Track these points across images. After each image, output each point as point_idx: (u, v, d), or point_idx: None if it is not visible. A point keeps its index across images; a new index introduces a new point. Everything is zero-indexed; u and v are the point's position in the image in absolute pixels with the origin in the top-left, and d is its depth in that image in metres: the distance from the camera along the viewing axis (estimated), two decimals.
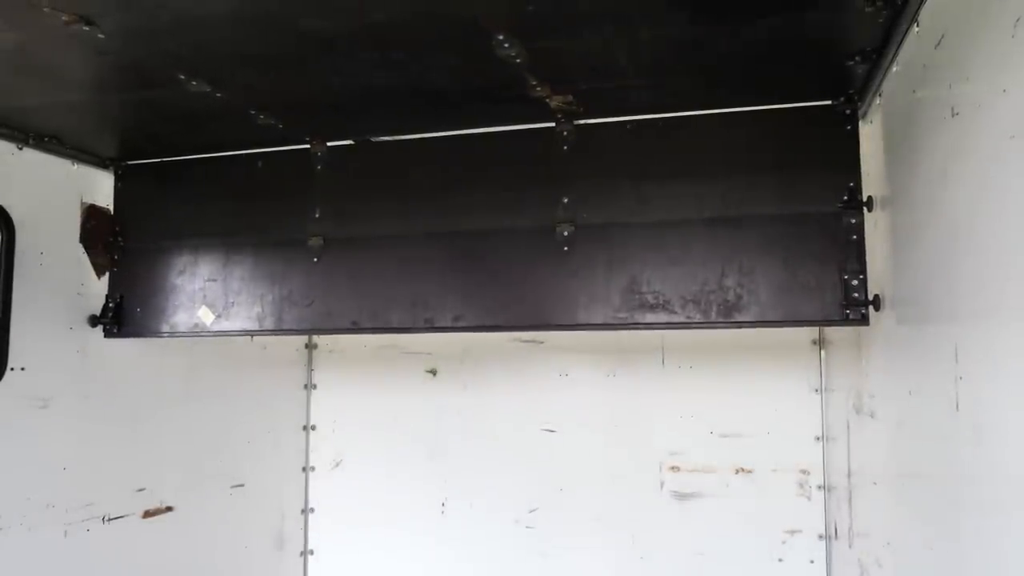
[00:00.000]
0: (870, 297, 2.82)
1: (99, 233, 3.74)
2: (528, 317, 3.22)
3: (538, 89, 2.85)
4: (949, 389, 1.95)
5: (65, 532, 3.38)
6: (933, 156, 2.12)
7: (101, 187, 3.79)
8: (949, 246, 2.00)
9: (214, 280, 3.64)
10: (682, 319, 3.02)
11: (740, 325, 2.98)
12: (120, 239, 3.80)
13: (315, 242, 3.48)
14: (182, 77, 2.75)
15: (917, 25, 2.20)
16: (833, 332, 3.91)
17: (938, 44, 2.03)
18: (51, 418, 3.41)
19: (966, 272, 1.87)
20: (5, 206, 3.22)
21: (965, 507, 1.89)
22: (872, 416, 2.96)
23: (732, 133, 3.09)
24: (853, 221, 2.88)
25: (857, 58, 2.60)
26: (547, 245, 3.18)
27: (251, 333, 3.65)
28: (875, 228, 2.83)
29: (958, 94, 1.89)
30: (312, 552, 4.91)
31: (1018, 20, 1.50)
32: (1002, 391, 1.63)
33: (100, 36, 2.38)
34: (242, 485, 4.39)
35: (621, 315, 3.07)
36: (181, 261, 3.71)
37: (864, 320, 2.83)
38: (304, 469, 4.94)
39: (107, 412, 3.71)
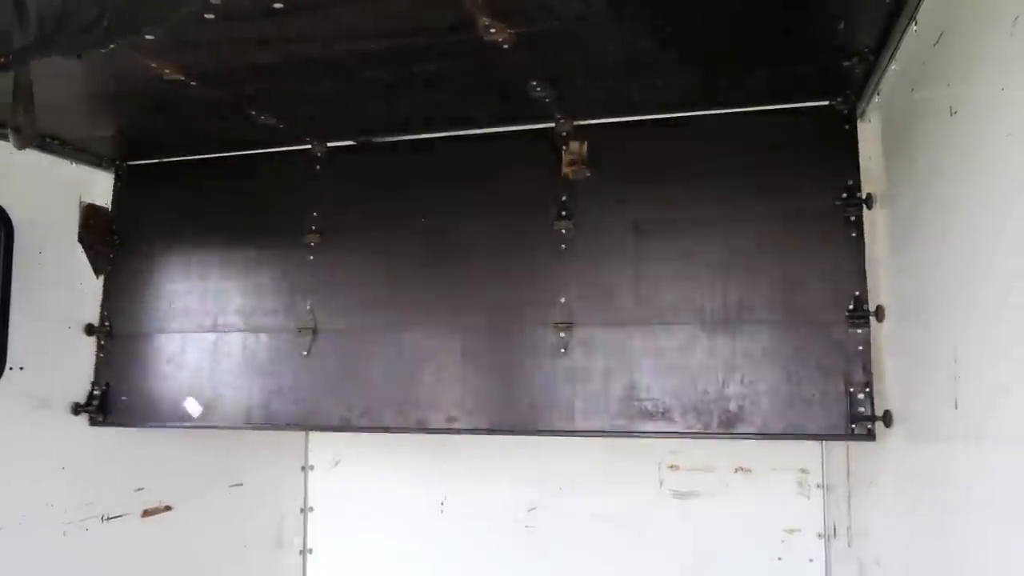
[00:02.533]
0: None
1: (97, 232, 3.73)
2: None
3: (561, 121, 3.21)
4: (948, 388, 1.95)
5: (64, 532, 3.38)
6: (931, 154, 2.12)
7: (102, 188, 3.80)
8: (945, 244, 2.00)
9: (201, 370, 3.58)
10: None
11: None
12: (107, 324, 3.72)
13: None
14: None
15: (915, 23, 2.19)
16: None
17: (937, 42, 2.02)
18: (50, 417, 3.41)
19: (963, 272, 1.87)
20: (4, 206, 3.22)
21: (963, 507, 1.89)
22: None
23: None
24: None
25: (839, 99, 2.95)
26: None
27: (239, 427, 3.56)
28: (877, 227, 2.83)
29: (957, 92, 1.89)
30: (311, 551, 4.91)
31: (1016, 19, 1.50)
32: (1000, 389, 1.63)
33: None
34: (241, 484, 4.38)
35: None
36: (169, 349, 3.66)
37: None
38: (303, 468, 4.94)
39: None
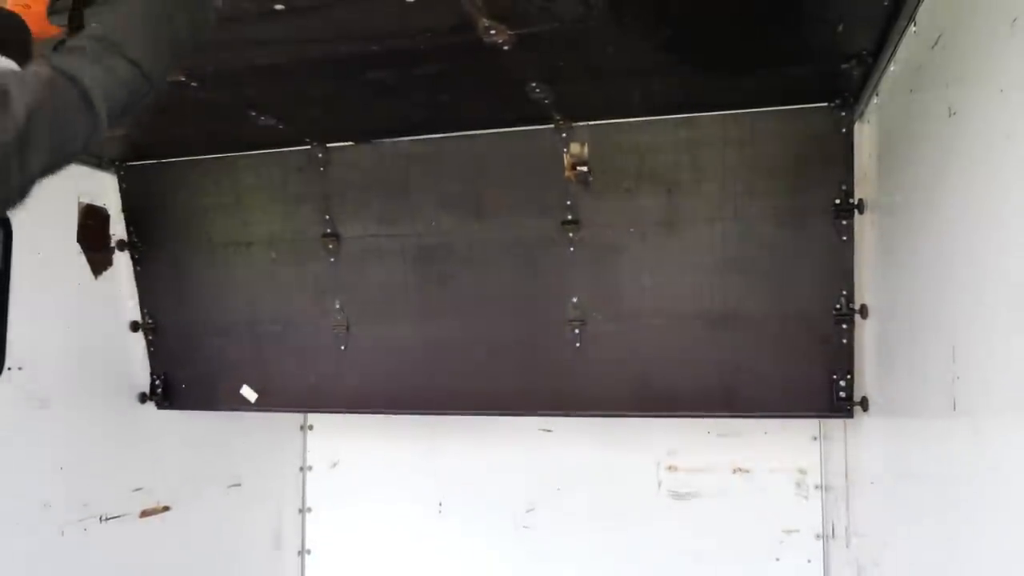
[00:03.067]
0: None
1: (96, 233, 3.73)
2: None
3: (561, 123, 3.23)
4: (946, 389, 1.95)
5: (62, 532, 3.38)
6: (930, 155, 2.12)
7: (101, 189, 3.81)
8: (943, 245, 2.01)
9: (247, 361, 3.83)
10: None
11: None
12: (151, 320, 3.93)
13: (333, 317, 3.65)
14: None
15: (914, 25, 2.20)
16: None
17: (935, 44, 2.03)
18: (49, 418, 3.40)
19: (961, 272, 1.87)
20: None
21: (962, 507, 1.90)
22: (869, 415, 2.98)
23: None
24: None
25: (837, 101, 2.95)
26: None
27: (294, 410, 3.99)
28: (867, 229, 2.86)
29: (955, 94, 1.90)
30: (309, 552, 4.91)
31: (1015, 20, 1.51)
32: (999, 390, 1.64)
33: None
34: (239, 485, 4.38)
35: None
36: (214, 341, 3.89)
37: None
38: (301, 469, 4.94)
39: (105, 411, 3.71)
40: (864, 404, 2.98)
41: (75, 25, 1.92)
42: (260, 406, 3.82)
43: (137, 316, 3.91)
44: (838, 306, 3.04)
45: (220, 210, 3.79)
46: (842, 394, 3.06)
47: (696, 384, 3.24)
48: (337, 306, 3.65)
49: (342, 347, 3.66)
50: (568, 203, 3.27)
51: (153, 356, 3.96)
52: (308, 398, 3.85)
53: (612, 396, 3.34)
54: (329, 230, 3.61)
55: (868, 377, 2.98)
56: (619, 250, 3.27)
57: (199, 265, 3.85)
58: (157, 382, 3.93)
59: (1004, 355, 1.60)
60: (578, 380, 3.36)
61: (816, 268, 3.07)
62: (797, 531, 4.07)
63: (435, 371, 3.56)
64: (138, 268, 3.89)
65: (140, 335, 3.93)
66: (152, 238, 3.87)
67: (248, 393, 3.81)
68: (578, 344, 3.34)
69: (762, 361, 3.16)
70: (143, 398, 3.90)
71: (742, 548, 4.13)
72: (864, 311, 2.96)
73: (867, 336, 2.98)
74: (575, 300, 3.32)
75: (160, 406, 3.91)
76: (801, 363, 3.12)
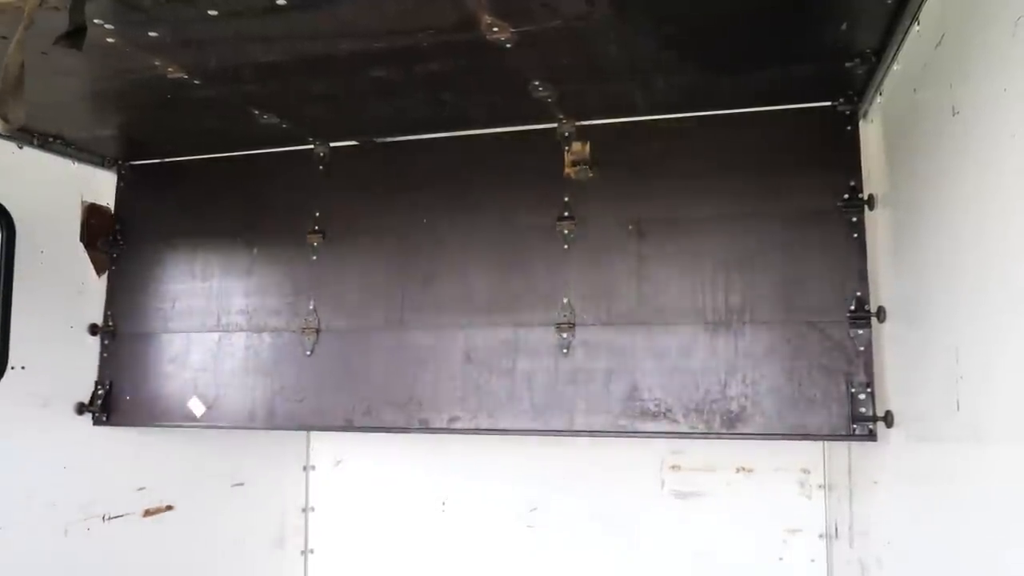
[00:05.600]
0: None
1: (100, 232, 3.74)
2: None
3: (564, 121, 3.24)
4: (950, 387, 1.95)
5: (66, 531, 3.38)
6: (933, 155, 2.12)
7: (104, 188, 3.81)
8: (948, 245, 2.00)
9: (204, 369, 3.58)
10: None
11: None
12: (111, 324, 3.73)
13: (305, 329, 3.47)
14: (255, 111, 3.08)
15: (917, 24, 2.20)
16: None
17: (938, 44, 2.03)
18: (52, 417, 3.41)
19: (966, 272, 1.87)
20: (6, 205, 3.22)
21: (965, 507, 1.89)
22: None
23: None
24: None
25: (841, 99, 2.96)
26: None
27: (242, 427, 3.57)
28: (879, 227, 2.84)
29: (958, 93, 1.89)
30: (312, 551, 4.91)
31: (1018, 20, 1.50)
32: (1001, 390, 1.63)
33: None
34: (242, 484, 4.39)
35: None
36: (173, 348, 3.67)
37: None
38: (304, 468, 4.94)
39: None
40: (888, 419, 2.70)
41: (76, 19, 1.91)
42: (206, 421, 3.55)
43: (98, 319, 3.73)
44: (852, 307, 2.86)
45: (212, 210, 3.74)
46: (862, 409, 2.80)
47: (696, 400, 3.00)
48: (311, 307, 3.47)
49: (307, 352, 3.44)
50: (566, 199, 3.24)
51: (104, 363, 3.70)
52: (267, 413, 3.48)
53: (602, 412, 3.09)
54: (322, 228, 3.52)
55: (890, 387, 2.76)
56: (618, 249, 3.17)
57: (172, 265, 3.72)
58: (99, 392, 3.65)
59: (1006, 356, 1.60)
60: (566, 394, 3.13)
61: (826, 268, 2.91)
62: (800, 530, 4.06)
63: (413, 386, 3.31)
64: (113, 268, 3.77)
65: (96, 339, 3.72)
66: (131, 237, 3.78)
67: (196, 406, 3.53)
68: (565, 350, 3.15)
69: (770, 373, 2.93)
70: (80, 409, 3.59)
71: (745, 547, 4.12)
72: (881, 314, 2.79)
73: (885, 341, 2.80)
74: (565, 301, 3.18)
75: (96, 421, 3.61)
76: (813, 374, 2.88)
